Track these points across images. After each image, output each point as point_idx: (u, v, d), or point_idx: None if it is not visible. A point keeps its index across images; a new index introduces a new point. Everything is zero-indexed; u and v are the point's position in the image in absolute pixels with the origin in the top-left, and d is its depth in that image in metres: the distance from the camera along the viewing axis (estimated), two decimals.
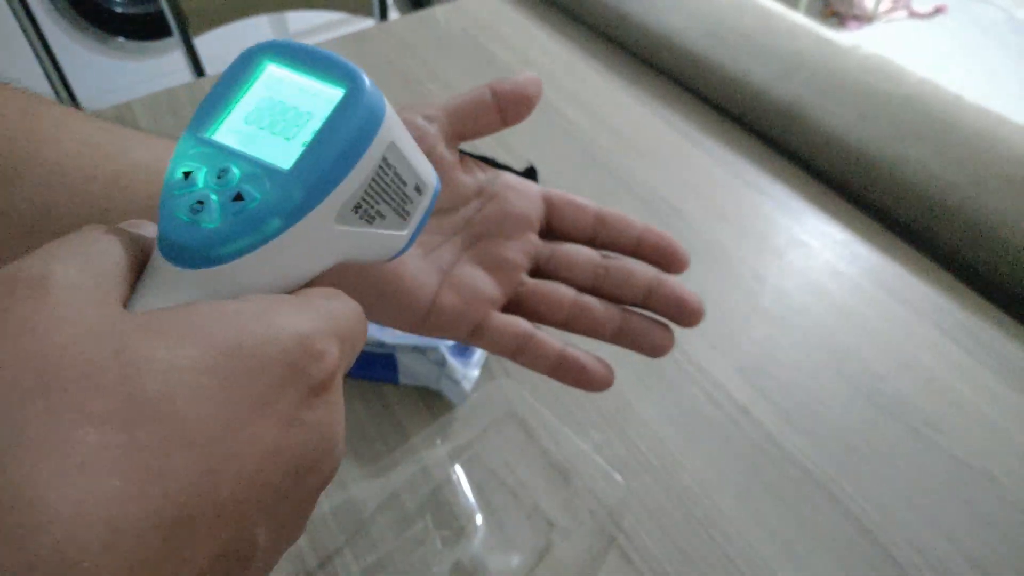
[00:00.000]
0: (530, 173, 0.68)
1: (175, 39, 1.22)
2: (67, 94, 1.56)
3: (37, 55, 1.53)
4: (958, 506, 0.48)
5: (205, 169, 0.20)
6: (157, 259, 0.20)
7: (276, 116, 0.21)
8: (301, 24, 2.11)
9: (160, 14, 1.19)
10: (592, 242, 0.35)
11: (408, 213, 0.24)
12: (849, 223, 0.67)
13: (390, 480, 0.51)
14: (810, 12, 2.37)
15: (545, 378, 0.54)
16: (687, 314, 0.33)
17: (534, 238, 0.34)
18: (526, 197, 0.34)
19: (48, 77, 1.59)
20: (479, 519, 0.48)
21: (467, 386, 0.54)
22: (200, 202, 0.19)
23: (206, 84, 0.87)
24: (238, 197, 0.19)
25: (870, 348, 0.57)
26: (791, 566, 0.45)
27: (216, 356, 0.17)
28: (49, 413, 0.15)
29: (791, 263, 0.64)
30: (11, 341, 0.15)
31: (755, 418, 0.53)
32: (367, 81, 0.21)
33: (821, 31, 0.81)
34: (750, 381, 0.55)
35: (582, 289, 0.34)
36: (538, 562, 0.47)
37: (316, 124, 0.21)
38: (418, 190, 0.24)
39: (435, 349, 0.53)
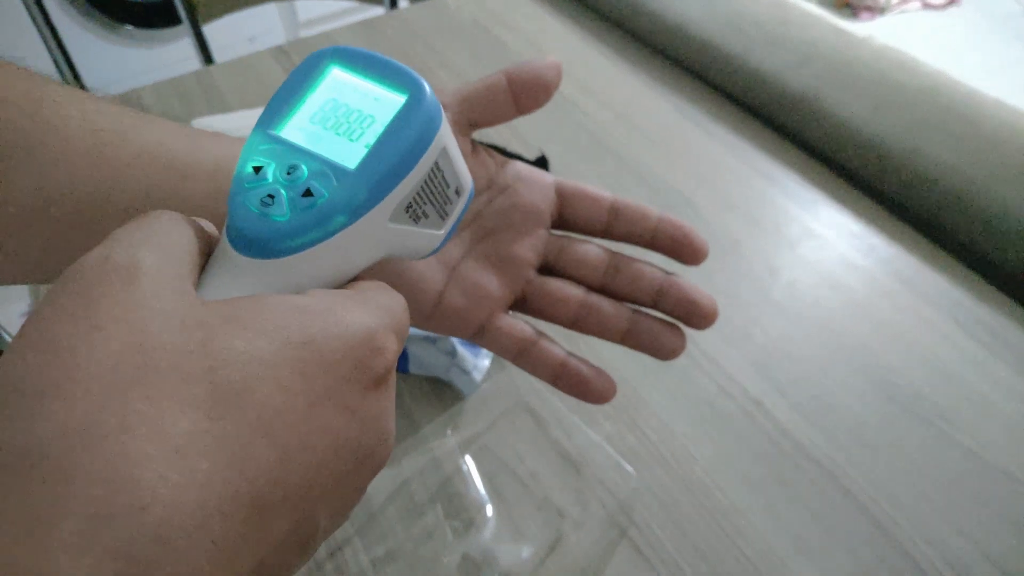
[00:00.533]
0: (541, 162, 0.68)
1: (184, 27, 1.21)
2: (76, 82, 1.56)
3: (46, 43, 1.53)
4: (972, 501, 0.47)
5: (275, 164, 0.21)
6: (225, 247, 0.20)
7: (340, 117, 0.22)
8: (311, 12, 2.10)
9: (169, 2, 1.19)
10: (606, 234, 0.34)
11: (447, 214, 0.25)
12: (863, 214, 0.67)
13: (400, 470, 0.50)
14: (823, 2, 2.34)
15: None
16: (699, 317, 0.32)
17: (545, 233, 0.34)
18: (537, 190, 0.33)
19: (57, 65, 1.58)
20: (489, 510, 0.48)
21: (477, 376, 0.53)
22: (271, 196, 0.20)
23: (214, 72, 0.86)
24: (307, 193, 0.20)
25: (884, 341, 0.56)
26: (803, 560, 0.45)
27: (291, 350, 0.18)
28: (148, 400, 0.16)
29: (804, 255, 0.63)
30: (110, 329, 0.16)
31: (768, 411, 0.52)
32: (427, 88, 0.22)
33: (835, 21, 0.80)
34: (763, 374, 0.55)
35: (592, 287, 0.33)
36: (549, 553, 0.46)
37: (379, 127, 0.22)
38: (458, 192, 0.25)
39: (446, 339, 0.52)
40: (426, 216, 0.24)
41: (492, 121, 0.31)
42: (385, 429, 0.20)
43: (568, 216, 0.34)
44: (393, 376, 0.21)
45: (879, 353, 0.56)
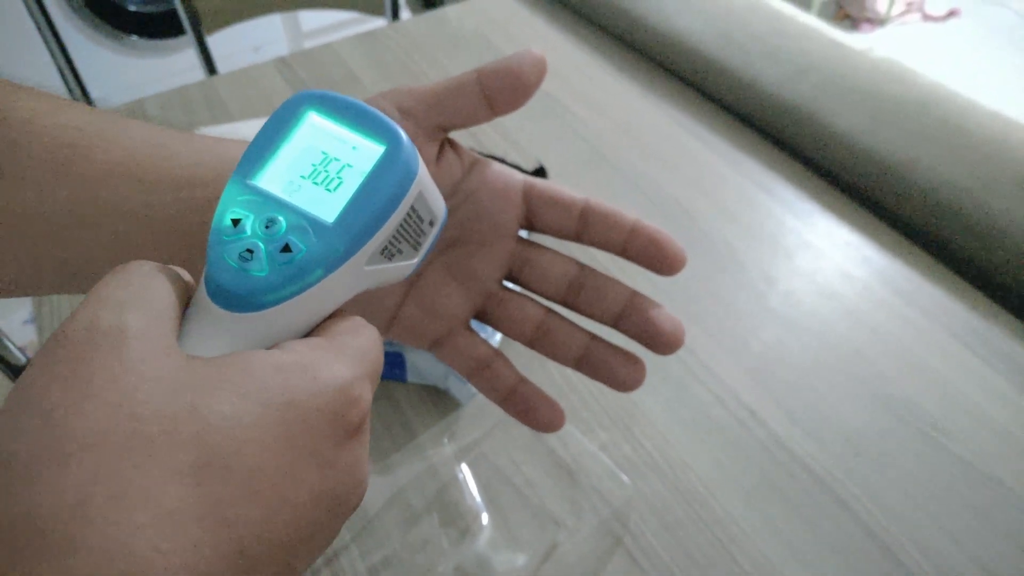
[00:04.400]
0: (539, 173, 0.68)
1: (188, 37, 1.22)
2: (81, 92, 1.57)
3: (52, 53, 1.55)
4: (966, 510, 0.48)
5: (253, 217, 0.21)
6: (203, 299, 0.21)
7: (318, 166, 0.22)
8: (313, 23, 2.12)
9: (173, 12, 1.20)
10: (578, 240, 0.32)
11: (420, 244, 0.25)
12: (859, 226, 0.67)
13: (397, 478, 0.51)
14: (822, 15, 2.35)
15: (552, 377, 0.55)
16: (661, 343, 0.31)
17: (510, 243, 0.32)
18: (504, 198, 0.31)
19: (62, 75, 1.60)
20: (485, 518, 0.48)
21: None
22: (249, 250, 0.21)
23: (217, 82, 0.87)
24: (286, 248, 0.21)
25: (879, 351, 0.57)
26: (797, 569, 0.45)
27: (274, 411, 0.18)
28: (138, 469, 0.16)
29: (800, 265, 0.64)
30: (101, 397, 0.17)
31: (763, 420, 0.53)
32: (405, 138, 0.23)
33: (833, 34, 0.81)
34: (758, 383, 0.55)
35: (556, 301, 0.33)
36: (543, 561, 0.47)
37: (357, 179, 0.22)
38: (431, 223, 0.25)
39: None
40: (400, 252, 0.24)
41: (464, 124, 0.30)
42: (359, 476, 0.21)
43: (537, 223, 0.32)
44: (367, 423, 0.21)
45: (874, 363, 0.56)
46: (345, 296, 0.23)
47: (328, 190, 0.22)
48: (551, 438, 0.52)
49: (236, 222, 0.21)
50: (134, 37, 1.96)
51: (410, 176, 0.22)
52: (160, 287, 0.20)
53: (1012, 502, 0.48)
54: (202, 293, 0.21)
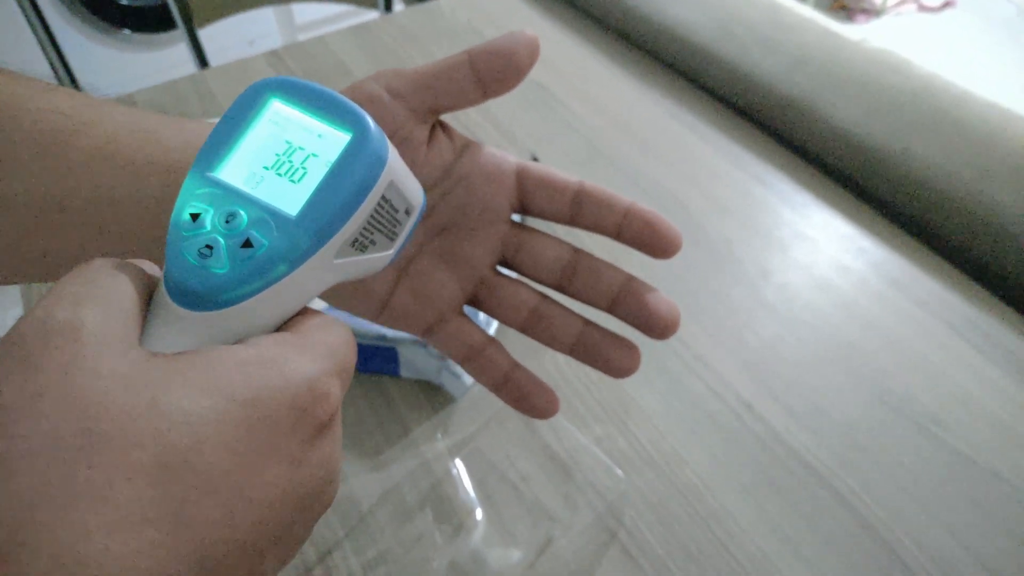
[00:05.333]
0: None
1: (181, 31, 1.21)
2: (72, 84, 1.56)
3: (43, 47, 1.54)
4: (964, 503, 0.47)
5: (213, 211, 0.20)
6: (163, 297, 0.20)
7: (282, 156, 0.21)
8: (307, 16, 2.10)
9: (165, 6, 1.19)
10: (572, 223, 0.31)
11: (396, 234, 0.25)
12: (855, 217, 0.67)
13: (390, 474, 0.50)
14: (818, 5, 2.34)
15: (546, 370, 0.54)
16: (657, 328, 0.30)
17: (503, 228, 0.31)
18: (496, 182, 0.31)
19: (54, 69, 1.59)
20: (479, 513, 0.48)
21: (468, 379, 0.53)
22: (209, 246, 0.20)
23: (209, 76, 0.86)
24: (247, 243, 0.20)
25: (876, 343, 0.56)
26: (794, 562, 0.45)
27: (236, 408, 0.18)
28: (93, 468, 0.16)
29: (796, 257, 0.63)
30: (53, 395, 0.16)
31: (759, 414, 0.52)
32: (372, 125, 0.22)
33: (828, 25, 0.80)
34: (754, 376, 0.55)
35: (549, 286, 0.32)
36: (538, 557, 0.46)
37: (322, 169, 0.21)
38: (407, 212, 0.24)
39: None
40: (374, 243, 0.23)
41: (455, 106, 0.29)
42: (329, 473, 0.20)
43: (530, 206, 0.32)
44: (338, 419, 0.21)
45: (870, 355, 0.56)
46: (316, 291, 0.22)
47: (292, 181, 0.21)
48: (545, 432, 0.52)
49: (195, 217, 0.20)
50: (126, 31, 1.95)
51: (379, 164, 0.21)
52: (120, 283, 0.19)
53: (1010, 495, 0.47)
54: (163, 291, 0.20)
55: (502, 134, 0.76)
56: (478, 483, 0.50)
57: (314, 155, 0.21)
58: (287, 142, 0.21)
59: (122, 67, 1.96)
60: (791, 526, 0.47)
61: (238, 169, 0.21)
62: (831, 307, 0.59)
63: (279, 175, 0.21)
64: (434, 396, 0.54)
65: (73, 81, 1.58)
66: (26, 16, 1.47)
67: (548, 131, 0.77)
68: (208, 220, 0.20)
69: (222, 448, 0.17)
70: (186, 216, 0.20)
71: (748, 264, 0.63)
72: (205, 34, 1.23)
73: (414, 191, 0.25)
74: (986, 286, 0.60)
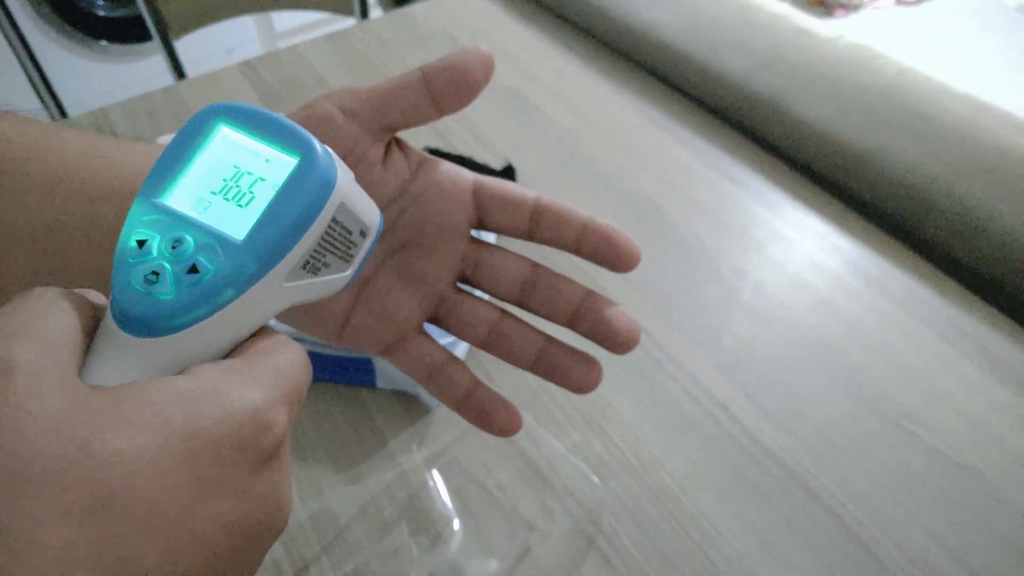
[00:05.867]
0: (508, 172, 0.68)
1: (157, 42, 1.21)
2: (51, 98, 1.55)
3: (20, 60, 1.52)
4: (940, 501, 0.47)
5: (159, 237, 0.20)
6: (110, 325, 0.20)
7: (229, 181, 0.21)
8: (286, 24, 2.10)
9: (142, 17, 1.18)
10: (531, 238, 0.31)
11: (352, 256, 0.25)
12: (829, 215, 0.67)
13: (367, 487, 0.50)
14: (796, 1, 2.35)
15: (523, 378, 0.54)
16: (616, 343, 0.30)
17: (462, 245, 0.31)
18: (453, 199, 0.31)
19: (31, 81, 1.57)
20: (456, 524, 0.48)
21: None
22: (155, 272, 0.20)
23: (182, 88, 0.86)
24: (193, 269, 0.20)
25: (851, 341, 0.57)
26: (772, 563, 0.45)
27: (176, 442, 0.17)
28: (21, 512, 0.15)
29: (771, 256, 0.63)
30: None
31: (734, 415, 0.52)
32: (319, 149, 0.22)
33: (801, 21, 0.80)
34: (730, 377, 0.55)
35: (510, 302, 0.32)
36: (516, 565, 0.46)
37: (269, 193, 0.21)
38: (363, 234, 0.24)
39: None
40: (327, 266, 0.23)
41: (410, 124, 0.29)
42: (278, 503, 0.20)
43: (488, 221, 0.32)
44: (285, 447, 0.21)
45: (846, 353, 0.56)
46: (267, 315, 0.22)
47: (239, 206, 0.21)
48: (523, 440, 0.52)
49: (141, 243, 0.20)
50: (103, 42, 1.94)
51: (327, 187, 0.21)
52: (59, 315, 0.19)
53: (988, 492, 0.48)
54: (109, 318, 0.20)
55: (476, 138, 0.76)
56: (455, 493, 0.49)
57: (261, 179, 0.21)
58: (235, 167, 0.22)
59: (100, 78, 1.94)
60: (768, 527, 0.47)
61: (185, 195, 0.21)
62: (806, 305, 0.59)
63: (226, 200, 0.21)
64: (411, 406, 0.54)
65: (51, 92, 1.57)
66: (2, 29, 1.45)
67: (523, 134, 0.76)
68: (155, 246, 0.20)
69: (159, 484, 0.17)
70: (132, 243, 0.20)
71: (723, 263, 0.63)
72: (183, 44, 1.22)
73: (369, 212, 0.24)
74: (960, 282, 0.61)
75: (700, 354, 0.56)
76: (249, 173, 0.21)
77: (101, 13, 1.91)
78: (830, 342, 0.57)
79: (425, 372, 0.32)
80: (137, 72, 1.99)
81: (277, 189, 0.21)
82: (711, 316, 0.59)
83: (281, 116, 0.22)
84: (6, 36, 1.48)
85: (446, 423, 0.53)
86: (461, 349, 0.53)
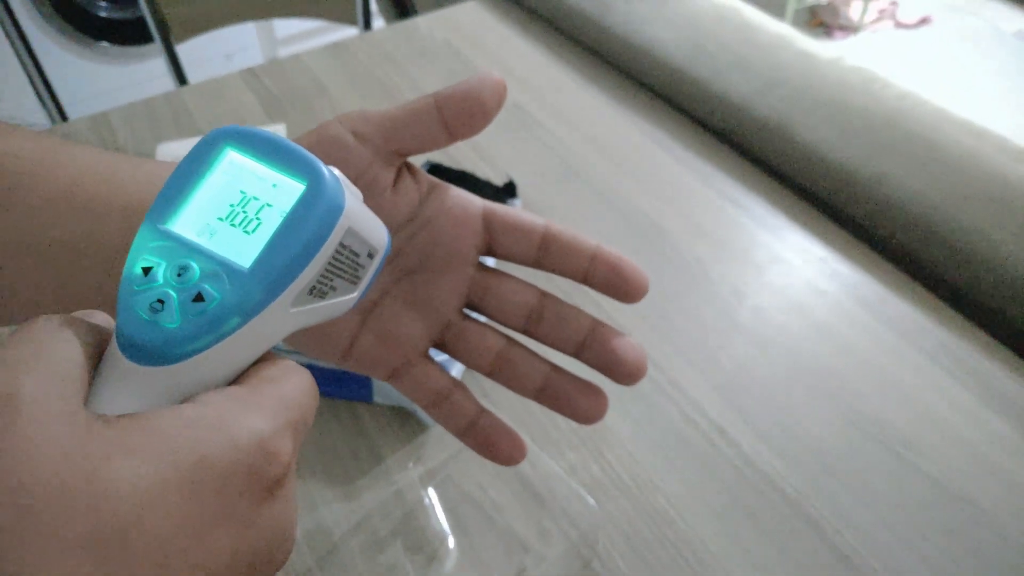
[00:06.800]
0: (509, 188, 0.68)
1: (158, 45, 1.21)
2: (51, 99, 1.54)
3: (21, 61, 1.52)
4: (937, 530, 0.47)
5: (165, 264, 0.20)
6: (114, 352, 0.20)
7: (236, 207, 0.21)
8: (287, 30, 2.10)
9: (143, 19, 1.18)
10: (538, 267, 0.31)
11: (359, 278, 0.24)
12: (830, 240, 0.67)
13: (362, 503, 0.50)
14: (796, 22, 2.37)
15: (521, 397, 0.54)
16: (623, 374, 0.30)
17: (470, 271, 0.31)
18: (462, 225, 0.30)
19: (32, 82, 1.57)
20: (451, 543, 0.48)
21: None
22: (160, 301, 0.20)
23: (185, 93, 0.86)
24: (198, 297, 0.20)
25: (849, 367, 0.57)
26: None
27: (181, 473, 0.17)
28: (25, 545, 0.15)
29: (771, 280, 0.63)
30: None
31: (732, 438, 0.52)
32: (327, 174, 0.22)
33: (804, 44, 0.81)
34: (728, 400, 0.54)
35: (516, 330, 0.32)
36: None
37: (276, 219, 0.21)
38: (370, 255, 0.24)
39: None
40: (334, 289, 0.23)
41: (421, 149, 0.29)
42: (282, 533, 0.20)
43: (497, 249, 0.31)
44: (291, 476, 0.20)
45: (843, 379, 0.56)
46: (273, 340, 0.22)
47: (246, 232, 0.21)
48: None
49: (147, 270, 0.20)
50: (104, 43, 1.94)
51: (334, 213, 0.21)
52: (64, 344, 0.19)
53: (983, 522, 0.48)
54: (114, 346, 0.20)
55: (478, 154, 0.76)
56: (451, 512, 0.49)
57: (268, 205, 0.21)
58: (241, 192, 0.21)
59: (100, 79, 1.94)
60: (763, 553, 0.47)
61: (192, 221, 0.21)
62: (805, 330, 0.59)
63: (233, 226, 0.21)
64: (407, 423, 0.54)
65: (52, 93, 1.57)
66: (3, 28, 1.45)
67: (524, 151, 0.77)
68: (160, 274, 0.20)
69: (164, 516, 0.17)
70: (138, 270, 0.20)
71: (722, 286, 0.63)
72: (182, 47, 1.22)
73: (377, 234, 0.24)
74: (960, 310, 0.61)
75: (698, 376, 0.56)
76: (256, 198, 0.21)
77: (102, 14, 1.91)
78: (828, 367, 0.57)
79: (429, 399, 0.31)
80: (136, 74, 1.99)
81: (284, 215, 0.21)
82: (709, 338, 0.59)
83: (288, 141, 0.22)
84: (7, 35, 1.47)
85: (443, 440, 0.52)
86: (456, 370, 0.53)
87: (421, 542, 0.48)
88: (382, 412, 0.54)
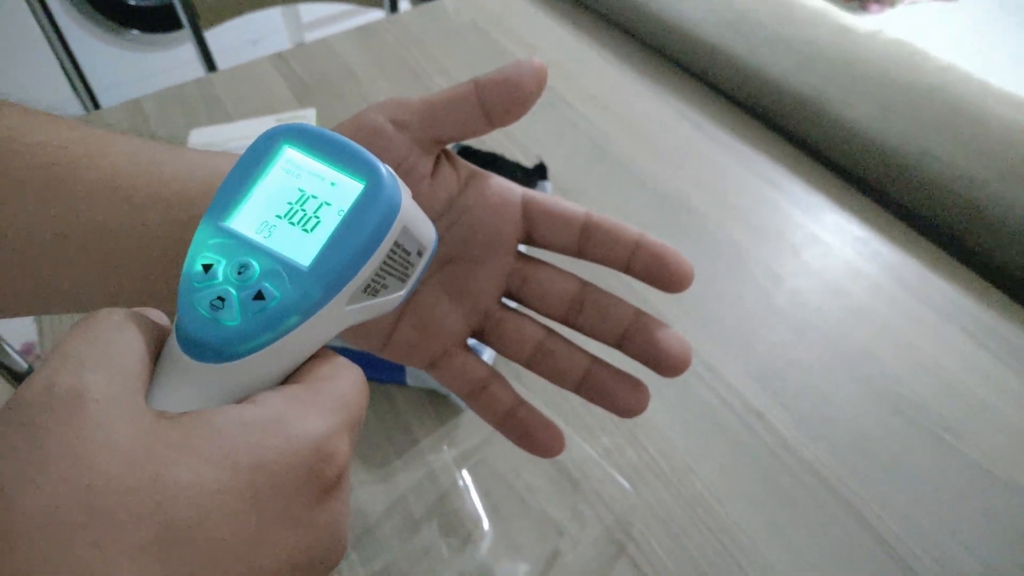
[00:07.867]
0: (540, 170, 0.67)
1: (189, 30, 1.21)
2: (84, 87, 1.56)
3: (53, 48, 1.54)
4: (980, 516, 0.46)
5: (225, 262, 0.20)
6: (174, 349, 0.20)
7: (294, 204, 0.21)
8: (313, 15, 2.10)
9: (172, 6, 1.19)
10: (580, 255, 0.31)
11: (408, 276, 0.24)
12: (869, 220, 0.65)
13: (397, 485, 0.50)
14: None
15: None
16: (667, 366, 0.29)
17: (509, 260, 0.31)
18: (501, 214, 0.30)
19: (64, 69, 1.59)
20: (486, 525, 0.48)
21: None
22: (221, 298, 0.20)
23: (215, 79, 0.86)
24: (259, 295, 0.20)
25: (890, 350, 0.55)
26: (804, 575, 0.44)
27: (241, 475, 0.17)
28: (95, 546, 0.15)
29: (808, 262, 0.62)
30: (55, 468, 0.16)
31: (769, 423, 0.51)
32: (385, 172, 0.21)
33: (841, 18, 0.78)
34: (764, 385, 0.54)
35: (556, 320, 0.31)
36: (546, 570, 0.46)
37: (335, 218, 0.21)
38: (419, 253, 0.24)
39: None
40: (386, 287, 0.23)
41: (460, 137, 0.29)
42: (337, 534, 0.20)
43: (538, 239, 0.31)
44: (346, 476, 0.21)
45: (884, 362, 0.55)
46: (326, 338, 0.22)
47: (305, 230, 0.21)
48: None
49: (207, 268, 0.20)
50: (135, 31, 1.96)
51: (392, 212, 0.21)
52: (127, 339, 0.19)
53: None
54: (173, 342, 0.20)
55: (507, 136, 0.75)
56: (485, 495, 0.49)
57: (327, 203, 0.21)
58: (300, 190, 0.21)
59: (131, 66, 1.96)
60: (802, 538, 0.46)
61: (250, 218, 0.21)
62: (844, 312, 0.58)
63: (292, 224, 0.21)
64: (441, 405, 0.54)
65: (84, 81, 1.59)
66: (36, 18, 1.47)
67: (554, 133, 0.76)
68: (220, 271, 0.20)
69: (226, 519, 0.17)
70: (198, 267, 0.20)
71: (758, 269, 0.62)
72: (209, 33, 1.23)
73: (427, 232, 0.24)
74: (1004, 291, 0.59)
75: (734, 361, 0.55)
76: (314, 197, 0.21)
77: (132, 2, 1.93)
78: (867, 350, 0.56)
79: (467, 388, 0.31)
80: (166, 60, 2.01)
81: (343, 214, 0.21)
82: (745, 322, 0.58)
83: (346, 139, 0.22)
84: (40, 24, 1.49)
85: (477, 423, 0.52)
86: (488, 355, 0.53)
87: (455, 524, 0.48)
88: (416, 394, 0.54)
